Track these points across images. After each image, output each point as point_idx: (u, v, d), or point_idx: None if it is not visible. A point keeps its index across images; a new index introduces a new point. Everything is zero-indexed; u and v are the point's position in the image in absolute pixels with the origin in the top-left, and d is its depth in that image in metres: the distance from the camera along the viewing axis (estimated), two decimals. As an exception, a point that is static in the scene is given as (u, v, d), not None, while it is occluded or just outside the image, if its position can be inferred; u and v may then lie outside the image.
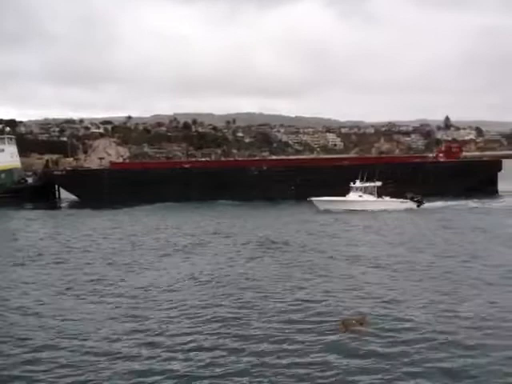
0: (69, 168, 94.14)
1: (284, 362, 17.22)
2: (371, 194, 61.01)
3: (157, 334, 19.85)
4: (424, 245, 36.82)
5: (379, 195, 61.05)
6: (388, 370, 16.42)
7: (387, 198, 60.82)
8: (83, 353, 18.23)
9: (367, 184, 60.71)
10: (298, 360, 17.33)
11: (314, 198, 61.19)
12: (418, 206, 60.41)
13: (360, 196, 60.77)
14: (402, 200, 60.76)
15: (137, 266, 31.88)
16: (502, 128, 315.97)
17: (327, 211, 58.54)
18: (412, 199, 60.90)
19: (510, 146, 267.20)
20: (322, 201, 61.20)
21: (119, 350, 18.34)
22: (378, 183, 60.71)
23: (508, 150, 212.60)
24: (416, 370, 16.39)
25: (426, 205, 60.40)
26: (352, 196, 60.93)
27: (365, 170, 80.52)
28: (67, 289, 27.01)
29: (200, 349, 18.33)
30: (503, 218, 50.97)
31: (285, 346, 18.53)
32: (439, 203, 61.22)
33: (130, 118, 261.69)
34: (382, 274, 28.25)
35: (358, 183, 60.75)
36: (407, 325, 20.12)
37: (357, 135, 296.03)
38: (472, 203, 62.52)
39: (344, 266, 30.46)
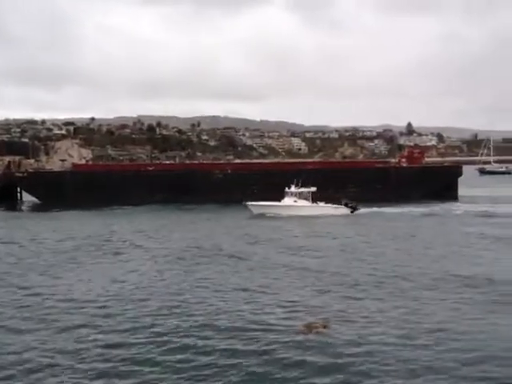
0: (31, 170, 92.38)
1: (244, 364, 17.19)
2: (306, 199, 60.85)
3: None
4: (353, 251, 37.16)
5: (314, 200, 60.92)
6: (347, 372, 16.53)
7: (322, 204, 60.70)
8: None
9: (302, 189, 60.61)
10: (258, 361, 17.34)
11: (248, 203, 61.14)
12: (352, 211, 60.49)
13: (295, 201, 60.57)
14: (336, 205, 60.79)
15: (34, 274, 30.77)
16: (462, 134, 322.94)
17: (261, 216, 58.56)
18: (346, 205, 61.00)
19: (469, 152, 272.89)
20: (257, 205, 60.98)
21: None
22: (313, 188, 60.66)
23: (468, 156, 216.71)
24: (376, 372, 16.51)
25: (361, 210, 60.51)
26: (287, 201, 60.76)
27: (328, 174, 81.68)
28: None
29: (154, 363, 17.87)
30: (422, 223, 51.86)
31: (247, 348, 18.51)
32: (374, 209, 61.25)
33: (93, 119, 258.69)
34: (308, 281, 28.12)
35: (293, 188, 60.64)
36: (369, 328, 20.26)
37: (321, 140, 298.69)
38: (410, 208, 62.35)
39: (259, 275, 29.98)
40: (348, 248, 37.85)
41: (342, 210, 60.33)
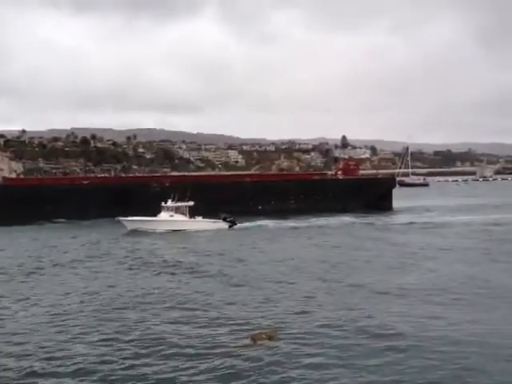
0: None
1: (188, 377, 16.89)
2: (183, 213, 59.53)
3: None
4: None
5: (191, 215, 59.75)
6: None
7: (199, 218, 59.86)
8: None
9: (179, 203, 59.22)
10: (203, 375, 17.04)
11: (122, 218, 58.91)
12: (230, 226, 59.94)
13: (171, 216, 59.16)
14: (214, 220, 60.22)
15: None
16: (394, 147, 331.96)
17: (135, 232, 57.07)
18: (224, 219, 60.50)
19: (402, 165, 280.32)
20: (131, 221, 59.01)
21: None
22: (191, 203, 59.46)
23: (404, 169, 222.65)
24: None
25: (238, 225, 60.17)
26: (163, 216, 59.32)
27: (267, 186, 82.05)
28: None
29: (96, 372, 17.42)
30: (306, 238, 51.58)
31: (190, 360, 18.20)
32: (248, 223, 61.22)
33: (24, 131, 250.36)
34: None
35: (169, 202, 59.05)
36: (315, 339, 20.20)
37: (258, 152, 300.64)
38: (290, 222, 62.74)
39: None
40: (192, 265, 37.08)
41: (220, 225, 59.64)
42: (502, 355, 18.25)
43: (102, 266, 37.25)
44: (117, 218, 58.92)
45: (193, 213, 59.50)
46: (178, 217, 59.19)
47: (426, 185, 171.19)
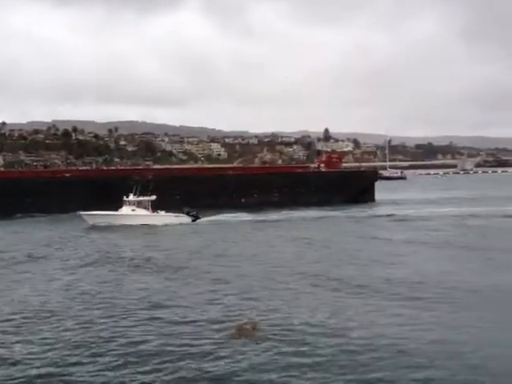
0: None
1: (175, 368, 16.95)
2: (145, 208, 58.68)
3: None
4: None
5: (154, 209, 58.91)
6: (276, 374, 16.44)
7: (162, 213, 59.13)
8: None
9: (141, 198, 58.37)
10: (190, 365, 17.14)
11: (82, 212, 57.88)
12: (194, 220, 59.49)
13: (133, 210, 58.34)
14: (176, 214, 59.55)
15: None
16: (376, 140, 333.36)
17: (97, 226, 56.11)
18: (188, 214, 59.99)
19: (384, 158, 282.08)
20: (92, 215, 57.85)
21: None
22: (153, 197, 58.55)
23: (383, 162, 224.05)
24: (305, 373, 16.52)
25: (202, 219, 59.73)
26: (125, 210, 58.38)
27: (250, 179, 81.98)
28: None
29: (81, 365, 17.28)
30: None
31: (177, 352, 18.30)
32: (214, 217, 60.72)
33: (4, 124, 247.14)
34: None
35: (131, 197, 58.19)
36: (299, 330, 20.34)
37: (241, 145, 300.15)
38: (244, 216, 62.56)
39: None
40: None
41: (183, 219, 59.05)
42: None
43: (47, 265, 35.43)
44: (77, 213, 57.71)
45: (155, 207, 58.46)
46: (140, 211, 58.26)
47: (403, 178, 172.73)
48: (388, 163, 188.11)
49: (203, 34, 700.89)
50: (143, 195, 58.32)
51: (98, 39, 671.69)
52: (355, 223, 57.66)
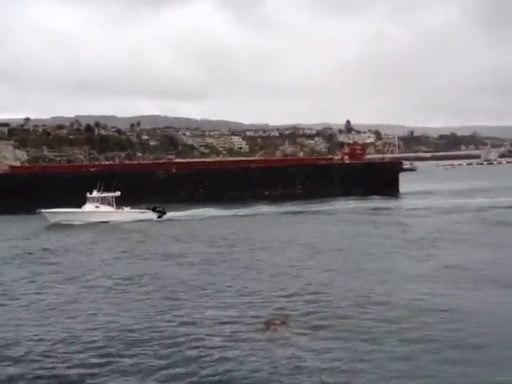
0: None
1: (205, 362, 17.05)
2: (109, 204, 57.40)
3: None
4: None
5: (119, 205, 57.72)
6: (303, 371, 16.36)
7: (127, 209, 57.96)
8: None
9: (105, 194, 56.94)
10: (219, 360, 17.19)
11: (44, 210, 56.30)
12: (159, 216, 58.03)
13: (97, 207, 56.89)
14: (142, 211, 58.35)
15: None
16: (398, 131, 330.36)
17: (58, 224, 54.39)
18: (154, 210, 58.59)
19: (406, 149, 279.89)
20: (54, 213, 56.08)
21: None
22: (117, 193, 57.18)
23: (405, 153, 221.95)
24: (330, 369, 16.41)
25: (169, 215, 58.40)
26: (88, 207, 56.83)
27: (274, 171, 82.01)
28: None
29: (121, 355, 17.69)
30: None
31: (206, 346, 18.36)
32: (181, 213, 59.29)
33: (27, 119, 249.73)
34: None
35: (94, 193, 56.91)
36: (329, 325, 20.27)
37: (262, 138, 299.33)
38: (212, 211, 60.64)
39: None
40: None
41: (149, 215, 57.71)
42: None
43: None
44: (38, 210, 56.24)
45: (120, 203, 57.45)
46: (104, 208, 57.01)
47: (413, 169, 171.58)
48: (398, 155, 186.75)
49: (220, 27, 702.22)
50: (108, 191, 56.87)
51: (117, 33, 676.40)
52: (382, 215, 57.01)
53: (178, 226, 52.03)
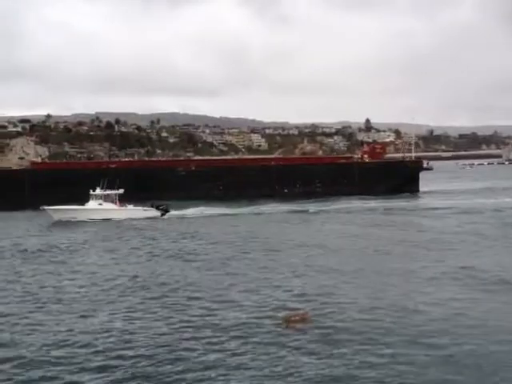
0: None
1: (224, 356, 17.26)
2: (113, 201, 57.20)
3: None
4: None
5: (122, 203, 57.51)
6: (322, 367, 16.42)
7: (130, 207, 57.72)
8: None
9: (108, 191, 56.83)
10: (237, 355, 17.39)
11: (47, 207, 56.18)
12: (163, 214, 57.79)
13: (100, 204, 56.79)
14: (145, 208, 57.97)
15: None
16: (418, 130, 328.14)
17: (61, 222, 54.41)
18: (157, 208, 58.29)
19: (426, 148, 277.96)
20: (57, 210, 55.85)
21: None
22: (121, 190, 57.04)
23: (425, 152, 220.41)
24: (348, 367, 16.44)
25: (171, 213, 58.17)
26: (91, 204, 56.76)
27: (293, 169, 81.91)
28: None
29: (150, 346, 18.00)
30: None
31: (228, 340, 18.64)
32: (184, 211, 59.08)
33: (49, 116, 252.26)
34: None
35: (98, 190, 56.71)
36: (348, 321, 20.38)
37: (281, 136, 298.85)
38: (219, 209, 60.49)
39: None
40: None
41: (152, 213, 57.47)
42: None
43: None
44: (42, 207, 56.29)
45: (124, 200, 57.36)
46: (107, 205, 56.86)
47: (429, 169, 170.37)
48: (413, 154, 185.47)
49: (239, 23, 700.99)
50: (111, 188, 56.79)
51: (135, 30, 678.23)
52: (404, 215, 56.69)
53: (190, 224, 52.11)
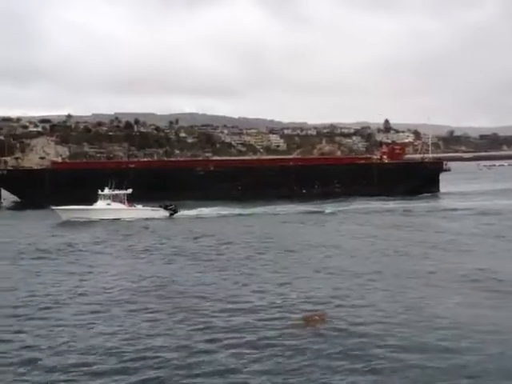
0: (10, 167, 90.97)
1: (245, 356, 17.29)
2: (121, 201, 56.96)
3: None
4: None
5: (130, 203, 57.28)
6: (342, 367, 16.42)
7: (139, 206, 57.53)
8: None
9: (117, 191, 56.58)
10: (258, 355, 17.37)
11: (56, 207, 56.26)
12: (172, 214, 57.55)
13: (108, 204, 56.48)
14: (153, 208, 57.66)
15: None
16: (438, 131, 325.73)
17: (70, 222, 54.25)
18: (166, 208, 57.94)
19: (446, 149, 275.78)
20: (66, 210, 55.81)
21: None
22: (129, 190, 56.84)
23: (444, 153, 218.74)
24: (368, 367, 16.41)
25: (180, 213, 58.03)
26: (100, 204, 56.54)
27: (312, 170, 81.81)
28: None
29: (170, 349, 18.10)
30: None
31: (247, 341, 18.65)
32: (193, 212, 59.03)
33: (69, 116, 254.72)
34: None
35: (106, 190, 56.42)
36: (366, 323, 20.27)
37: (299, 137, 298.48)
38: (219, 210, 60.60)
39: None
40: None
41: (160, 213, 57.17)
42: None
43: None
44: (51, 207, 56.47)
45: (132, 200, 57.21)
46: (116, 205, 56.68)
47: (447, 170, 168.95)
48: (431, 155, 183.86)
49: (257, 24, 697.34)
50: (119, 188, 56.65)
51: (153, 31, 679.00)
52: (422, 216, 56.28)
53: (204, 223, 52.18)
